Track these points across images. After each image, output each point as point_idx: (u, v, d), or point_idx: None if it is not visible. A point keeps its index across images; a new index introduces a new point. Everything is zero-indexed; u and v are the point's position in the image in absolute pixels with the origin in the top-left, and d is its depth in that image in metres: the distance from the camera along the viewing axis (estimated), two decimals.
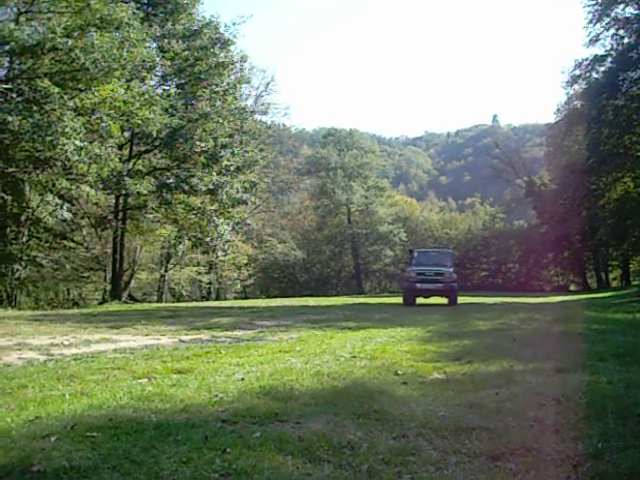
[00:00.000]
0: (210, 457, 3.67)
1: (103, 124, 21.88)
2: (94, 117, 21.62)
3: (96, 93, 20.90)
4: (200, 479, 3.34)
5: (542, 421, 4.64)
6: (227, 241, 32.57)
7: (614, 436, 4.13)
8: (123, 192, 26.64)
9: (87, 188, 22.23)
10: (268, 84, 47.53)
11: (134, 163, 27.84)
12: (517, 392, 5.68)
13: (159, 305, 28.75)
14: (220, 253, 37.53)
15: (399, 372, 6.80)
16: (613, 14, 33.07)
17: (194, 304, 30.24)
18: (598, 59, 35.28)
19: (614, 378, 6.20)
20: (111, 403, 5.12)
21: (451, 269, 25.29)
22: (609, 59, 33.80)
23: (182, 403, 5.14)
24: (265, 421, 4.58)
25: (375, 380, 6.37)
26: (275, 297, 43.53)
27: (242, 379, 6.29)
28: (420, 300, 25.75)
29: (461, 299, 25.24)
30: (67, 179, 21.88)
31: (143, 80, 25.09)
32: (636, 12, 31.32)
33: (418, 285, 24.47)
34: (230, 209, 30.09)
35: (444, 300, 25.38)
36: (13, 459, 3.60)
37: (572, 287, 57.14)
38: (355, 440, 4.09)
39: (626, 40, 32.45)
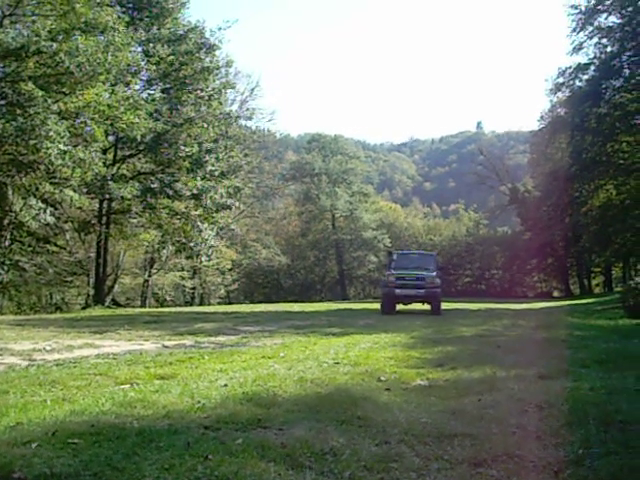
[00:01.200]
0: (192, 464, 3.66)
1: (87, 128, 21.85)
2: (78, 121, 21.56)
3: (80, 97, 20.84)
4: None
5: (524, 428, 4.66)
6: (211, 246, 32.54)
7: (596, 443, 4.16)
8: (107, 196, 26.55)
9: (71, 192, 22.12)
10: (253, 89, 47.51)
11: (118, 167, 27.74)
12: (500, 399, 5.70)
13: (142, 310, 28.62)
14: (204, 258, 37.40)
15: (382, 378, 6.80)
16: (596, 23, 33.32)
17: (178, 309, 30.14)
18: (581, 67, 35.51)
19: (596, 385, 6.24)
20: (93, 409, 5.09)
21: (434, 273, 23.17)
22: (592, 67, 34.04)
23: (164, 409, 5.12)
24: (248, 427, 4.57)
25: (358, 386, 6.37)
26: (259, 302, 43.47)
27: (225, 385, 6.28)
28: (401, 307, 24.09)
29: (445, 305, 24.74)
30: (50, 183, 21.77)
31: (128, 84, 25.03)
32: (619, 21, 31.57)
33: (397, 291, 22.38)
34: (214, 214, 30.07)
35: (427, 306, 23.33)
36: None
37: (555, 293, 57.47)
38: (338, 446, 4.09)
39: (609, 49, 32.71)
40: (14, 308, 26.85)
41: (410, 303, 24.36)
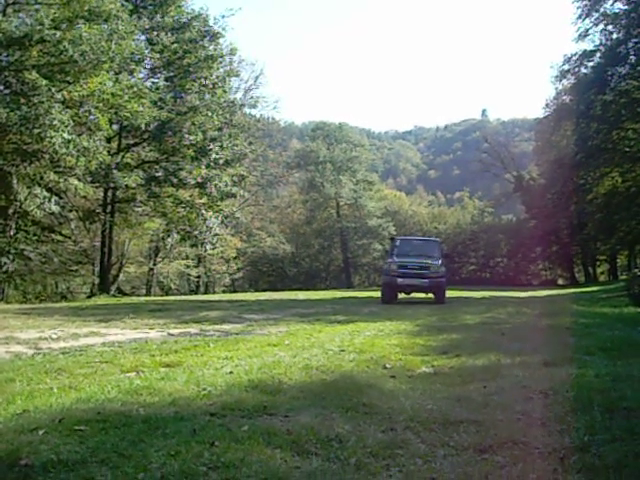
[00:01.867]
0: (198, 450, 3.67)
1: (91, 117, 21.82)
2: (82, 110, 21.53)
3: (84, 86, 20.81)
4: (188, 472, 3.33)
5: (529, 414, 4.67)
6: (216, 234, 32.57)
7: (601, 429, 4.16)
8: (111, 185, 26.58)
9: (75, 181, 22.14)
10: (257, 77, 47.32)
11: (122, 156, 27.73)
12: (504, 385, 5.70)
13: (148, 299, 28.67)
14: (209, 246, 37.49)
15: (387, 366, 6.81)
16: (602, 9, 33.11)
17: (183, 298, 30.19)
18: (587, 54, 35.32)
19: (601, 372, 6.24)
20: (99, 397, 5.11)
21: (439, 261, 21.95)
22: (598, 54, 33.83)
23: (170, 397, 5.14)
24: (253, 414, 4.58)
25: (363, 374, 6.38)
26: (264, 291, 43.45)
27: (231, 372, 6.29)
28: (403, 295, 23.09)
29: (449, 293, 24.42)
30: (55, 172, 21.78)
31: (132, 73, 24.99)
32: (625, 8, 31.35)
33: (399, 280, 21.14)
34: (219, 202, 30.11)
35: (430, 295, 22.29)
36: (1, 453, 3.59)
37: (560, 281, 57.28)
38: (343, 433, 4.10)
39: (615, 35, 32.50)
40: (20, 297, 26.92)
41: (411, 292, 23.14)
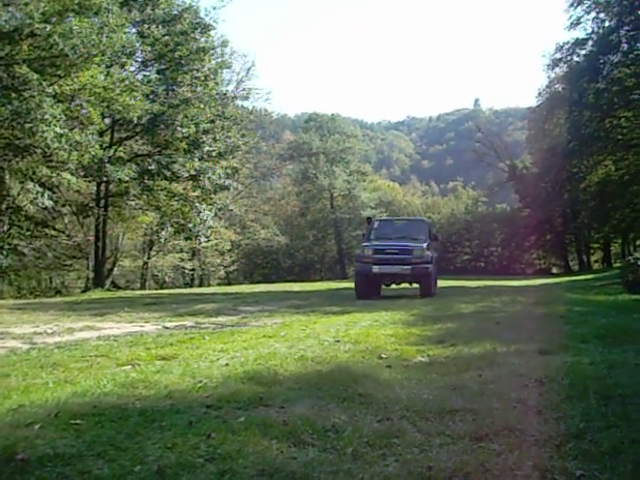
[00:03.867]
0: (195, 442, 3.67)
1: (83, 111, 21.75)
2: (74, 104, 21.45)
3: (75, 79, 20.72)
4: (185, 464, 3.34)
5: (525, 402, 4.68)
6: (210, 227, 32.48)
7: (596, 416, 4.17)
8: (104, 179, 26.52)
9: (68, 175, 22.08)
10: (249, 69, 47.22)
11: (115, 150, 27.65)
12: (500, 374, 5.71)
13: (142, 292, 28.69)
14: (203, 239, 37.43)
15: (383, 356, 6.81)
16: None
17: (178, 291, 30.21)
18: (579, 42, 35.41)
19: (596, 359, 6.26)
20: (95, 390, 5.11)
21: (424, 244, 18.53)
22: (590, 42, 33.93)
23: (166, 389, 5.14)
24: (249, 406, 4.58)
25: (359, 364, 6.39)
26: (259, 283, 43.47)
27: (226, 364, 6.29)
28: (391, 287, 20.60)
29: (443, 282, 24.15)
30: (47, 166, 21.72)
31: (123, 66, 24.88)
32: None
33: (375, 268, 17.91)
34: (212, 195, 30.10)
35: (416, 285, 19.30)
36: None
37: (554, 270, 57.53)
38: (339, 423, 4.10)
39: (607, 23, 32.59)
40: (14, 292, 26.94)
41: (392, 283, 20.16)
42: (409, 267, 17.90)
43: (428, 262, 18.27)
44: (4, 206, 24.23)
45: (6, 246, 24.31)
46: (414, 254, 18.04)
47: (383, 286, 19.94)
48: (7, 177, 22.41)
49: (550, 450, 3.59)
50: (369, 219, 22.43)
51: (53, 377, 5.79)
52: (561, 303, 14.15)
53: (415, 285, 19.40)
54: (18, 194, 22.96)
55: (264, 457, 3.45)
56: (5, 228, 24.88)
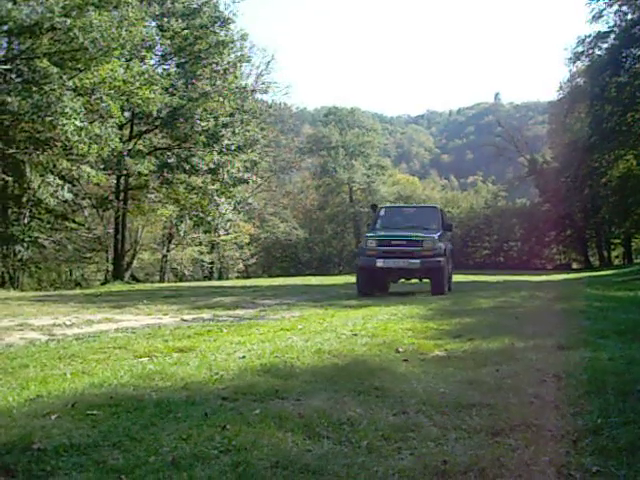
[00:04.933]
0: (210, 434, 3.68)
1: (103, 104, 21.81)
2: (94, 97, 21.53)
3: (95, 73, 20.81)
4: (199, 455, 3.34)
5: (542, 397, 4.64)
6: (229, 220, 32.60)
7: (614, 412, 4.13)
8: (124, 172, 26.65)
9: (88, 168, 22.21)
10: (269, 63, 47.21)
11: (135, 143, 27.79)
12: (518, 369, 5.67)
13: (161, 285, 28.81)
14: (222, 232, 37.56)
15: (400, 349, 6.79)
16: None
17: (196, 284, 30.29)
18: (601, 36, 35.03)
19: (615, 355, 6.20)
20: (112, 381, 5.13)
21: (437, 234, 16.54)
22: (612, 36, 33.54)
23: (183, 381, 5.15)
24: (265, 398, 4.58)
25: (376, 357, 6.37)
26: (277, 276, 43.51)
27: (243, 357, 6.29)
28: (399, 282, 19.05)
29: (462, 277, 23.90)
30: (67, 160, 21.87)
31: (143, 59, 24.97)
32: None
33: (379, 262, 15.97)
34: (231, 188, 30.18)
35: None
36: (14, 437, 3.61)
37: (574, 265, 57.07)
38: (355, 416, 4.09)
39: (629, 16, 32.19)
40: (34, 285, 27.19)
41: (399, 279, 18.56)
42: (418, 260, 15.82)
43: (440, 255, 16.17)
44: (25, 199, 24.45)
45: (27, 238, 24.51)
46: (424, 246, 15.99)
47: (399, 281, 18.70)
48: (28, 170, 22.57)
49: (567, 446, 3.57)
50: (374, 206, 20.47)
51: (71, 368, 5.82)
52: (581, 299, 14.01)
53: (426, 281, 17.49)
54: (39, 187, 23.11)
55: (279, 449, 3.45)
56: (26, 221, 25.11)
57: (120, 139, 23.85)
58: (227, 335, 8.13)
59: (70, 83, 19.87)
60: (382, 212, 18.87)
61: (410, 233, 16.37)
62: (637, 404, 4.32)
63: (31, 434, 3.64)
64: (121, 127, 26.57)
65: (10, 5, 19.02)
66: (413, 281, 19.15)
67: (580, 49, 38.90)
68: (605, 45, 34.82)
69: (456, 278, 23.22)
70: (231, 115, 29.53)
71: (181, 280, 41.83)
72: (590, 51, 37.57)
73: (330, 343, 7.23)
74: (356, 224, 60.26)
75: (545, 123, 71.04)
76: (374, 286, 17.07)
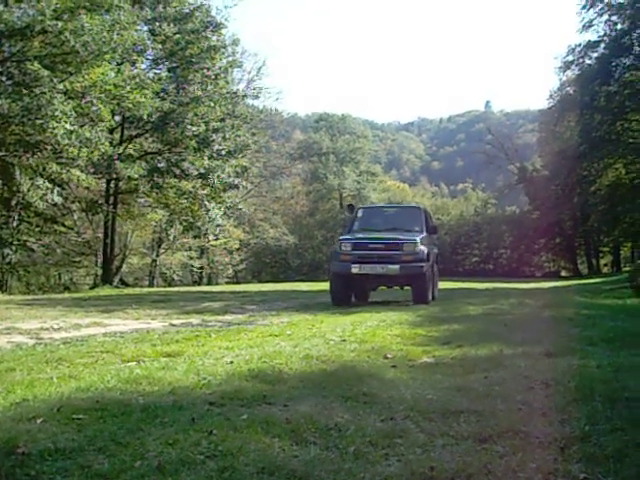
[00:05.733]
0: (196, 439, 3.66)
1: (93, 108, 21.77)
2: (84, 100, 21.46)
3: (86, 76, 20.76)
4: (186, 460, 3.32)
5: (530, 404, 4.65)
6: (218, 225, 32.56)
7: (602, 419, 4.14)
8: (114, 176, 26.56)
9: (77, 172, 22.12)
10: (260, 68, 47.21)
11: (125, 147, 27.72)
12: (506, 376, 5.68)
13: (150, 290, 28.72)
14: (211, 237, 37.50)
15: (388, 356, 6.79)
16: (607, 0, 33.04)
17: (185, 289, 30.22)
18: (591, 45, 35.30)
19: (603, 362, 6.21)
20: (98, 386, 5.10)
21: (418, 237, 14.94)
22: (602, 45, 33.84)
23: (170, 386, 5.13)
24: (253, 403, 4.57)
25: (364, 363, 6.36)
26: (267, 282, 43.49)
27: (231, 362, 6.28)
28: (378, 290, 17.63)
29: (451, 284, 23.85)
30: (57, 163, 21.77)
31: (134, 63, 24.94)
32: None
33: (354, 268, 14.35)
34: (222, 193, 30.14)
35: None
36: None
37: (563, 273, 57.28)
38: (342, 422, 4.08)
39: (619, 26, 32.48)
40: (23, 288, 27.03)
41: (377, 287, 17.03)
42: (397, 266, 14.30)
43: (422, 260, 14.56)
44: (14, 202, 24.34)
45: (15, 242, 24.43)
46: (404, 249, 14.49)
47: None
48: (17, 173, 22.49)
49: (554, 452, 3.56)
50: (350, 207, 18.64)
51: (58, 372, 5.79)
52: (569, 306, 14.07)
53: (408, 288, 15.83)
54: (28, 190, 23.01)
55: (265, 455, 3.44)
56: (15, 224, 24.99)
57: (110, 143, 23.82)
58: (215, 340, 8.11)
59: (61, 86, 19.83)
60: (360, 213, 17.23)
61: (389, 235, 15.00)
62: (624, 411, 4.32)
63: (16, 438, 3.61)
64: (111, 131, 26.54)
65: (1, 7, 18.99)
66: (398, 288, 17.31)
67: (570, 58, 39.20)
68: (595, 54, 35.11)
69: (445, 285, 23.23)
70: (222, 120, 29.51)
71: (170, 285, 41.75)
72: (580, 60, 37.85)
73: (318, 349, 7.22)
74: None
75: (535, 131, 71.17)
76: (350, 295, 15.67)
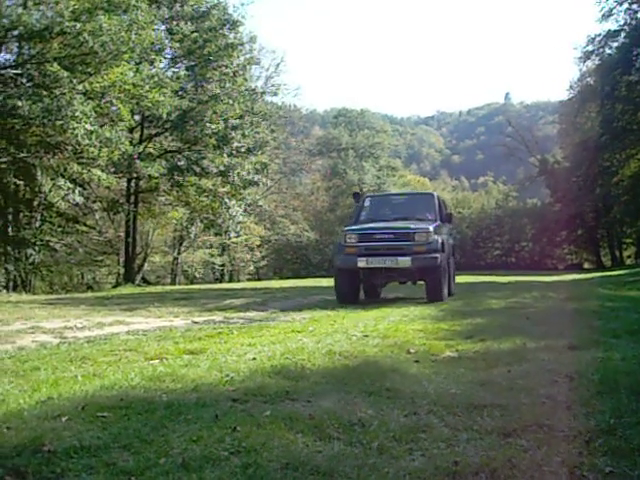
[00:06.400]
0: (220, 435, 3.67)
1: (113, 107, 21.92)
2: (104, 101, 21.60)
3: (105, 76, 20.87)
4: (210, 457, 3.33)
5: (554, 398, 4.61)
6: (239, 223, 32.66)
7: (627, 412, 4.10)
8: (134, 175, 26.71)
9: (98, 172, 22.26)
10: (278, 65, 47.29)
11: (145, 146, 27.84)
12: (529, 369, 5.64)
13: (172, 288, 28.87)
14: (232, 234, 37.60)
15: (411, 350, 6.76)
16: None
17: (207, 286, 30.31)
18: (611, 34, 34.96)
19: (627, 355, 6.15)
20: (122, 384, 5.13)
21: (431, 225, 13.57)
22: (622, 34, 33.49)
23: (193, 383, 5.14)
24: (276, 399, 4.57)
25: (387, 358, 6.34)
26: (288, 278, 43.53)
27: (254, 359, 6.28)
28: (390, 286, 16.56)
29: (473, 278, 23.69)
30: (78, 163, 21.92)
31: (152, 63, 25.01)
32: None
33: (361, 261, 13.09)
34: (242, 191, 30.19)
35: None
36: (25, 439, 3.60)
37: (586, 265, 56.83)
38: (366, 418, 4.07)
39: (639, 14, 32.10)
40: (46, 288, 27.27)
41: (387, 283, 15.73)
42: (408, 258, 12.89)
43: (436, 250, 13.12)
44: (36, 203, 24.59)
45: (38, 242, 24.65)
46: (416, 239, 13.04)
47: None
48: (39, 174, 22.68)
49: (579, 446, 3.54)
50: (356, 195, 16.86)
51: (82, 370, 5.82)
52: (592, 298, 13.94)
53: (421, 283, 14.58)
54: (49, 191, 23.24)
55: (289, 451, 3.44)
56: (37, 224, 25.21)
57: (130, 142, 23.94)
58: (238, 337, 8.12)
59: (80, 87, 19.95)
60: (367, 202, 15.80)
61: (399, 224, 13.64)
62: None
63: (42, 436, 3.64)
64: (131, 130, 26.68)
65: (20, 10, 19.13)
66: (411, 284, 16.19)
67: (590, 48, 38.84)
68: (615, 44, 34.76)
69: (467, 279, 23.13)
70: (241, 117, 29.57)
71: (192, 282, 41.91)
72: (600, 50, 37.51)
73: (341, 344, 7.21)
74: None
75: (555, 123, 70.57)
76: (357, 292, 14.35)
